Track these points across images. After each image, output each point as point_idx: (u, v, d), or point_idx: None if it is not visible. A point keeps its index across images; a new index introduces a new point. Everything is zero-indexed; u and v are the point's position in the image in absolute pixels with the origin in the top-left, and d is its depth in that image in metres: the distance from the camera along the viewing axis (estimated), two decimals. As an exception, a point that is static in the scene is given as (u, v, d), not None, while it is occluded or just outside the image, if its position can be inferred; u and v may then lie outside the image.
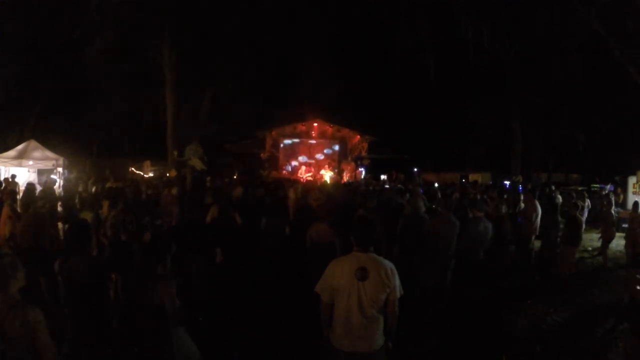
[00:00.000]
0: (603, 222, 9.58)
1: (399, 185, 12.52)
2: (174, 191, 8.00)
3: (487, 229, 5.61)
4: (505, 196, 9.36)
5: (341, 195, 7.94)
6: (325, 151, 20.89)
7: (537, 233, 8.14)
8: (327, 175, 19.47)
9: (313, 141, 20.81)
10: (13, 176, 11.96)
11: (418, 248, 5.42)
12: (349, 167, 20.23)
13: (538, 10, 17.49)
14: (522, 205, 8.85)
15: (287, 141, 20.86)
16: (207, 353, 3.31)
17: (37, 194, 8.15)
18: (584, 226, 10.93)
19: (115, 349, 3.79)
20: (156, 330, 3.01)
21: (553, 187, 14.28)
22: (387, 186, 13.99)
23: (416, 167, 23.25)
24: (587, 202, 11.91)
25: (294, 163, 20.64)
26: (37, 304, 2.40)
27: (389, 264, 2.86)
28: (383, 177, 19.28)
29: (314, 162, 20.61)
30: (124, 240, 5.21)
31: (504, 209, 7.97)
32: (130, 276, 3.78)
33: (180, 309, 3.05)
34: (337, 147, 20.77)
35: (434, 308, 5.20)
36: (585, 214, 11.48)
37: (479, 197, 8.17)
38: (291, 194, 8.03)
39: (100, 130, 22.70)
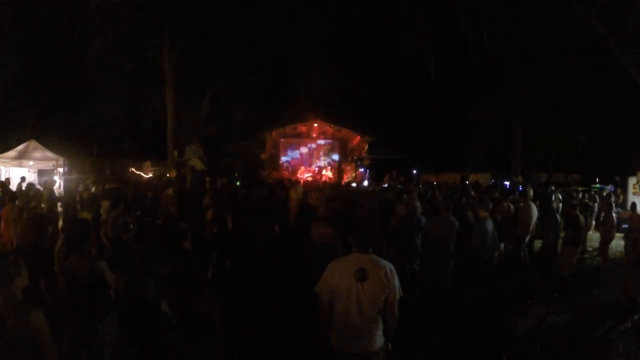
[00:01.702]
0: (603, 223, 9.58)
1: (399, 186, 12.51)
2: (170, 191, 8.00)
3: (493, 228, 5.66)
4: (511, 197, 9.36)
5: (341, 196, 7.93)
6: (326, 159, 20.94)
7: (533, 233, 8.16)
8: (326, 174, 19.51)
9: (313, 145, 20.86)
10: (23, 178, 11.91)
11: (417, 248, 5.42)
12: (349, 167, 20.23)
13: (538, 10, 17.49)
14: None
15: (287, 143, 20.90)
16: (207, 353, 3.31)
17: (31, 193, 8.16)
18: (591, 227, 11.07)
19: (115, 348, 3.79)
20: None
21: (552, 188, 14.28)
22: (385, 185, 14.00)
23: (417, 167, 23.23)
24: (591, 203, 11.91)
25: (293, 154, 20.63)
26: (37, 304, 2.40)
27: (388, 265, 2.86)
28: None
29: (313, 160, 20.64)
30: (124, 240, 5.23)
31: (512, 209, 8.02)
32: (132, 276, 3.78)
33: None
34: (336, 157, 20.86)
35: (434, 308, 5.21)
36: (594, 215, 11.53)
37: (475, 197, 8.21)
38: (293, 195, 8.02)
39: (100, 130, 22.69)
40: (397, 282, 2.83)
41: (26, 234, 5.21)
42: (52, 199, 8.99)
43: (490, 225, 5.63)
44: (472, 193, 9.77)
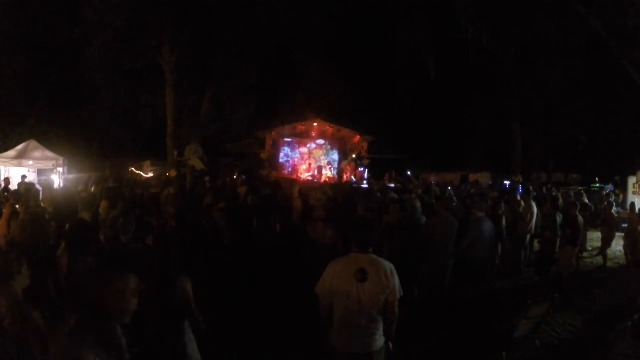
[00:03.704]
0: (604, 223, 9.57)
1: (398, 185, 12.51)
2: (172, 190, 7.98)
3: (491, 228, 5.64)
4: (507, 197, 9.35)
5: (342, 196, 7.92)
6: (326, 157, 20.95)
7: (533, 232, 8.16)
8: (326, 174, 19.50)
9: (313, 145, 20.86)
10: (23, 177, 11.90)
11: (416, 249, 5.41)
12: (349, 167, 20.23)
13: (538, 10, 17.50)
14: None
15: (287, 140, 20.89)
16: (206, 353, 3.30)
17: (30, 193, 8.13)
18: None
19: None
20: (171, 330, 3.01)
21: (549, 186, 14.30)
22: (391, 185, 13.98)
23: (414, 168, 23.21)
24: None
25: (293, 154, 20.65)
26: (37, 304, 2.40)
27: (388, 265, 2.85)
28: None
29: (313, 161, 20.63)
30: (123, 240, 5.21)
31: (502, 208, 8.00)
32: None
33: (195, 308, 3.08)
34: (336, 156, 20.87)
35: (434, 308, 5.20)
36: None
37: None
38: (295, 194, 7.95)
39: (100, 130, 22.69)
40: (397, 282, 2.83)
41: (23, 234, 5.21)
42: (51, 198, 8.99)
43: (486, 226, 5.61)
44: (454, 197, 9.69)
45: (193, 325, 3.11)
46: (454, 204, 7.08)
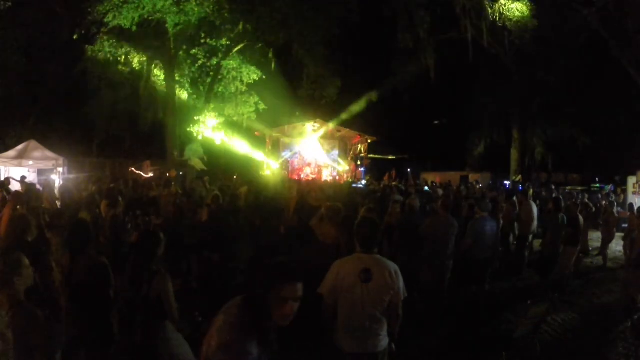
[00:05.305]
0: (604, 222, 9.56)
1: (398, 185, 12.51)
2: (175, 190, 8.01)
3: (493, 228, 5.64)
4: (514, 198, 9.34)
5: (343, 195, 7.93)
6: (326, 154, 20.91)
7: (534, 232, 8.16)
8: (326, 174, 19.50)
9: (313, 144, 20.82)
10: (23, 177, 11.84)
11: (416, 249, 5.41)
12: (349, 167, 20.24)
13: (538, 10, 17.50)
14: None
15: (287, 139, 20.88)
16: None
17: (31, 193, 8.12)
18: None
19: (115, 349, 3.78)
20: (148, 324, 3.02)
21: (552, 187, 14.29)
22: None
23: (414, 168, 23.19)
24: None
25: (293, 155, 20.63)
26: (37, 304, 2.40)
27: (393, 266, 2.84)
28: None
29: (313, 161, 20.63)
30: (123, 240, 5.23)
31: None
32: (131, 276, 3.78)
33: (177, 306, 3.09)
34: (336, 156, 20.83)
35: (434, 308, 5.20)
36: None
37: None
38: (293, 194, 7.97)
39: (100, 130, 22.65)
40: (401, 283, 2.81)
41: (8, 234, 5.21)
42: (51, 198, 8.99)
43: (489, 225, 5.61)
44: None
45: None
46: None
